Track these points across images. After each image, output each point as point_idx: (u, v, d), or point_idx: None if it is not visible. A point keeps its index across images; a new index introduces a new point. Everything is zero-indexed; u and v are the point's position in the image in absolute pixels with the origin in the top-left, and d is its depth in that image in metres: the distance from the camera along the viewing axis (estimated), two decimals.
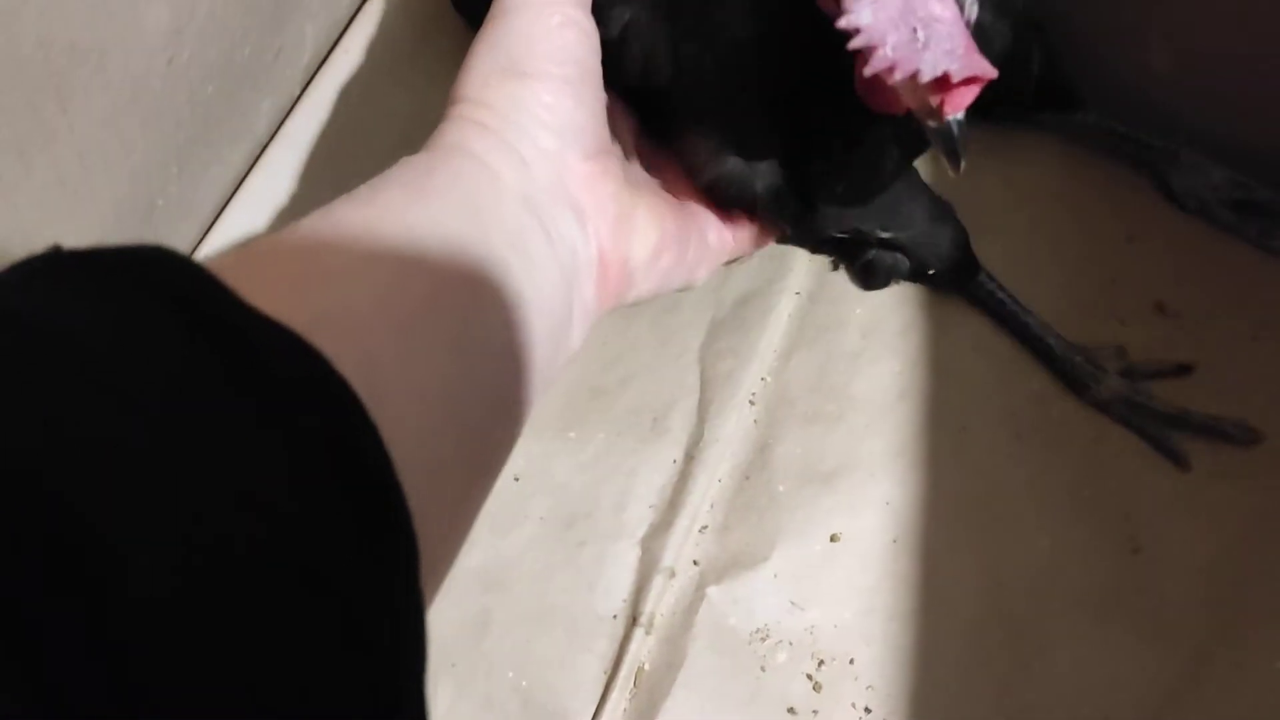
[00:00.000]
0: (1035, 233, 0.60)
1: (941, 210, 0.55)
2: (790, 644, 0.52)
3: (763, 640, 0.52)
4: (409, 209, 0.32)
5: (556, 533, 0.54)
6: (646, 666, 0.51)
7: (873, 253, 0.56)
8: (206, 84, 0.51)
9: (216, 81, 0.52)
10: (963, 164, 0.36)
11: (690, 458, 0.55)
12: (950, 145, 0.36)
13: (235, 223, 0.57)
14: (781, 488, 0.55)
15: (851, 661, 0.51)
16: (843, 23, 0.33)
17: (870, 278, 0.58)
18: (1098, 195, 0.61)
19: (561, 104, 0.39)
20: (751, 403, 0.57)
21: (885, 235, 0.54)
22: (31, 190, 0.44)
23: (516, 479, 0.55)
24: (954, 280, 0.57)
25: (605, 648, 0.52)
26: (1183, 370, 0.56)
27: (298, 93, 0.59)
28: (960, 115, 0.35)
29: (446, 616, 0.52)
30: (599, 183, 0.40)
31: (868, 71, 0.33)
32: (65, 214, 0.46)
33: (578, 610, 0.52)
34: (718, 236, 0.48)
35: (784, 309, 0.59)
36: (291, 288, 0.26)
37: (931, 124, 0.35)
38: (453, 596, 0.52)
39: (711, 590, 0.53)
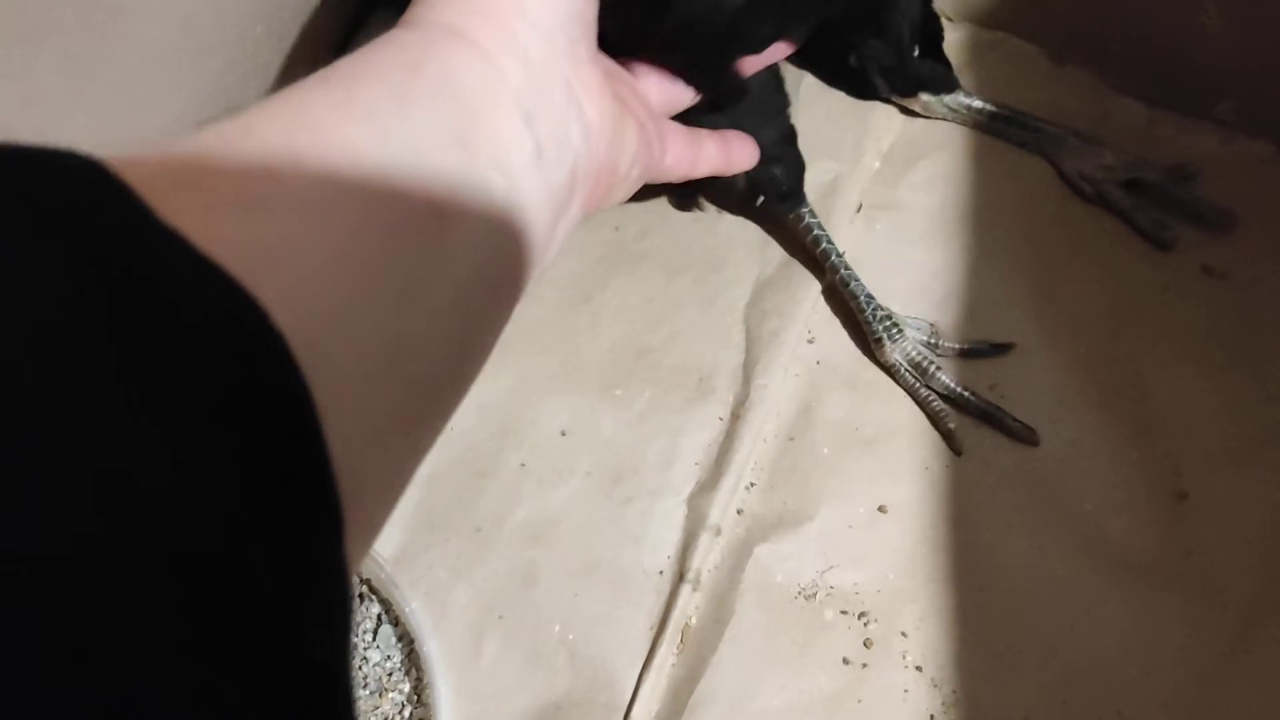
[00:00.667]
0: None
1: (790, 134, 0.55)
2: (838, 602, 0.51)
3: (810, 597, 0.51)
4: (389, 119, 0.27)
5: (603, 488, 0.53)
6: (693, 622, 0.51)
7: None
8: (255, 23, 0.50)
9: (265, 22, 0.51)
10: None
11: (736, 417, 0.55)
12: None
13: None
14: (826, 450, 0.55)
15: (899, 620, 0.51)
16: None
17: (709, 191, 0.57)
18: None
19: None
20: (797, 360, 0.56)
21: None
22: (82, 117, 0.43)
23: (563, 434, 0.54)
24: (778, 207, 0.56)
25: (652, 603, 0.51)
26: (999, 349, 0.56)
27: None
28: None
29: (494, 568, 0.51)
30: (602, 88, 0.35)
31: None
32: (114, 147, 0.45)
33: (625, 565, 0.52)
34: (675, 150, 0.44)
35: None
36: (235, 210, 0.22)
37: None
38: (500, 549, 0.51)
39: (759, 549, 0.52)
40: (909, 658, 0.50)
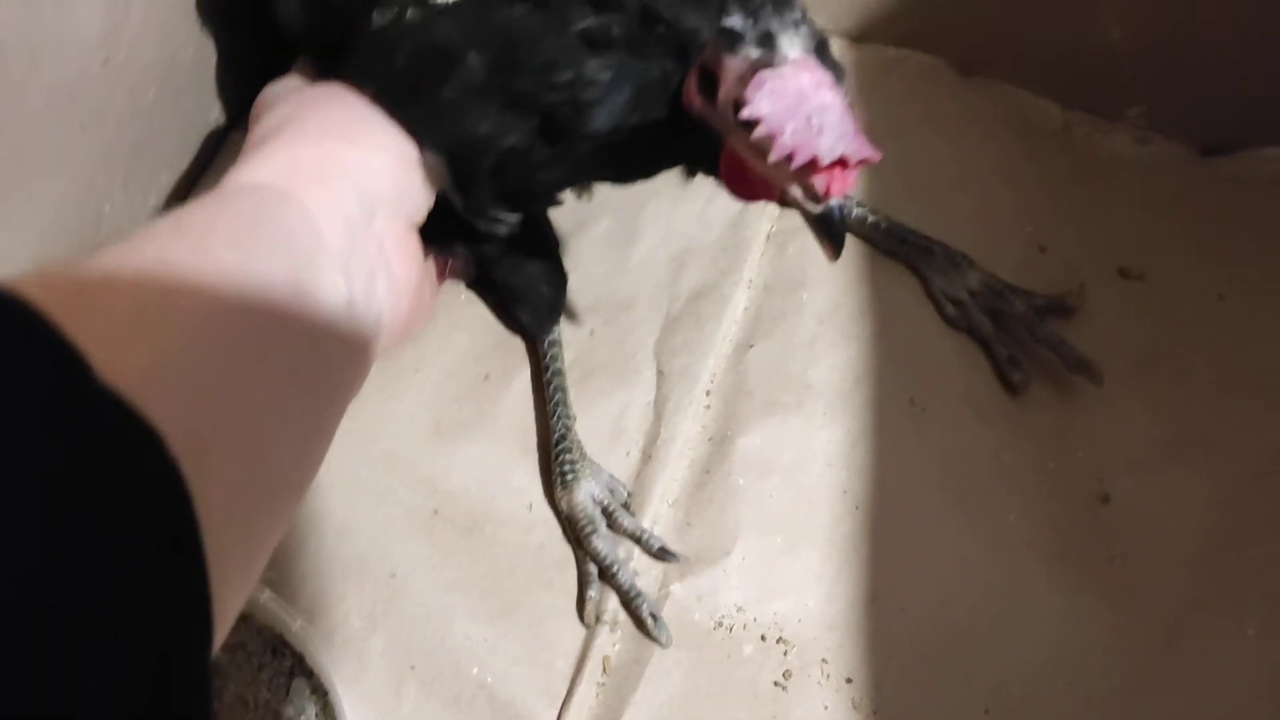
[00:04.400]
0: (1000, 199, 0.61)
1: (554, 278, 0.55)
2: (756, 635, 0.51)
3: (729, 631, 0.51)
4: (236, 272, 0.31)
5: (518, 533, 0.53)
6: (612, 660, 0.51)
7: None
8: (147, 87, 0.51)
9: (158, 85, 0.51)
10: (841, 251, 0.37)
11: (648, 456, 0.55)
12: (832, 229, 0.36)
13: None
14: (741, 481, 0.54)
15: (818, 647, 0.51)
16: (745, 113, 0.34)
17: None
18: (1061, 161, 0.62)
19: (389, 169, 0.39)
20: (708, 394, 0.56)
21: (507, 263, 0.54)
22: None
23: (478, 480, 0.54)
24: (522, 329, 0.57)
25: (570, 644, 0.51)
26: (668, 555, 0.52)
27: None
28: (840, 200, 0.35)
29: (411, 614, 0.51)
30: (414, 252, 0.41)
31: (770, 160, 0.34)
32: (8, 211, 0.46)
33: (542, 608, 0.52)
34: (432, 289, 0.47)
35: (739, 301, 0.58)
36: (126, 329, 0.26)
37: (813, 209, 0.36)
38: (416, 595, 0.51)
39: (675, 587, 0.52)
40: (830, 683, 0.50)
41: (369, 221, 0.38)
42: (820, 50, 0.37)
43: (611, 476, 0.54)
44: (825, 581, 0.52)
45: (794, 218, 0.60)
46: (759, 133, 0.34)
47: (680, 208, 0.61)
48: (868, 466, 0.55)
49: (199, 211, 0.33)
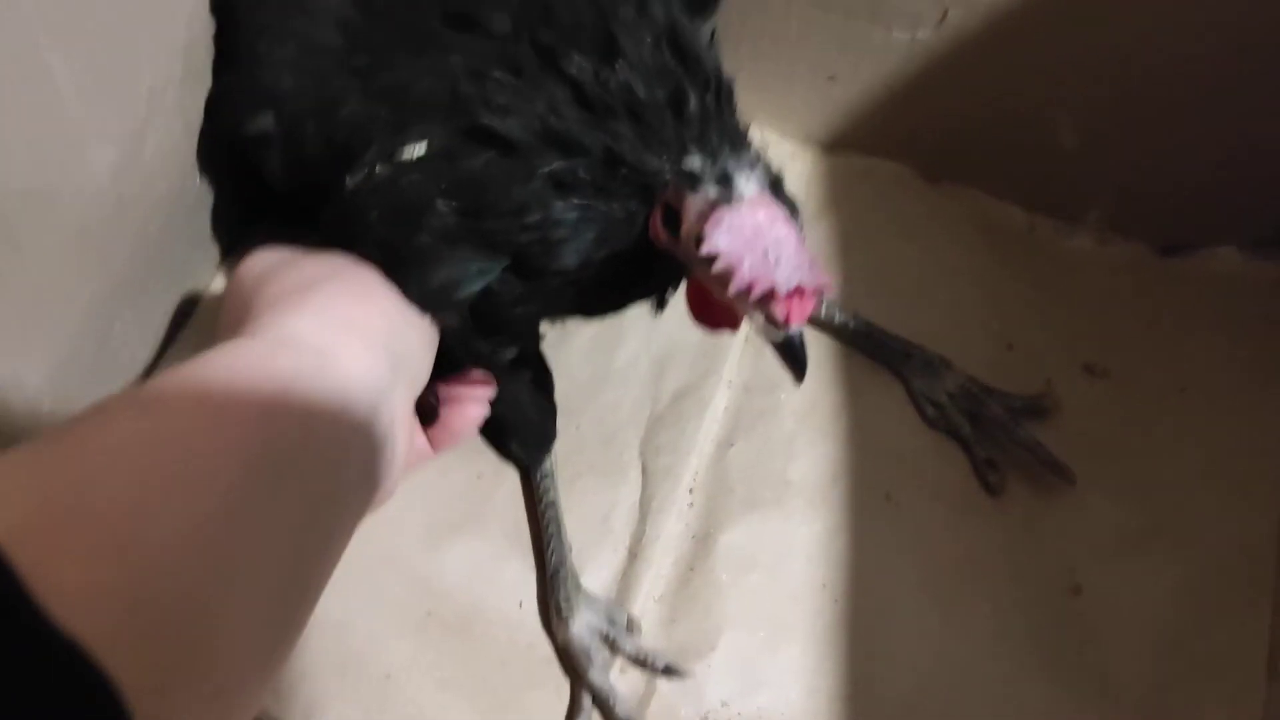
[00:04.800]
0: (968, 299, 0.64)
1: (544, 410, 0.57)
2: None
3: None
4: (250, 463, 0.30)
5: (509, 632, 0.55)
6: None
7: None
8: (155, 217, 0.54)
9: (166, 215, 0.54)
10: (805, 375, 0.39)
11: (634, 554, 0.57)
12: (794, 354, 0.39)
13: (188, 343, 0.59)
14: (725, 577, 0.57)
15: None
16: (705, 249, 0.37)
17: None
18: (1026, 262, 0.65)
19: (416, 341, 0.42)
20: (691, 492, 0.59)
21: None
22: None
23: (470, 580, 0.56)
24: (515, 460, 0.59)
25: None
26: (673, 672, 0.53)
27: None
28: (800, 327, 0.38)
29: (405, 714, 0.53)
30: (411, 427, 0.43)
31: (731, 291, 0.37)
32: (23, 345, 0.48)
33: (532, 706, 0.53)
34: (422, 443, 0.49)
35: (720, 401, 0.61)
36: (99, 547, 0.25)
37: (774, 336, 0.38)
38: (410, 694, 0.53)
39: (661, 683, 0.54)
40: None
41: (392, 392, 0.39)
42: (775, 187, 0.40)
43: (609, 604, 0.55)
44: (807, 674, 0.54)
45: None
46: (719, 266, 0.37)
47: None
48: (846, 561, 0.57)
49: (226, 371, 0.32)
